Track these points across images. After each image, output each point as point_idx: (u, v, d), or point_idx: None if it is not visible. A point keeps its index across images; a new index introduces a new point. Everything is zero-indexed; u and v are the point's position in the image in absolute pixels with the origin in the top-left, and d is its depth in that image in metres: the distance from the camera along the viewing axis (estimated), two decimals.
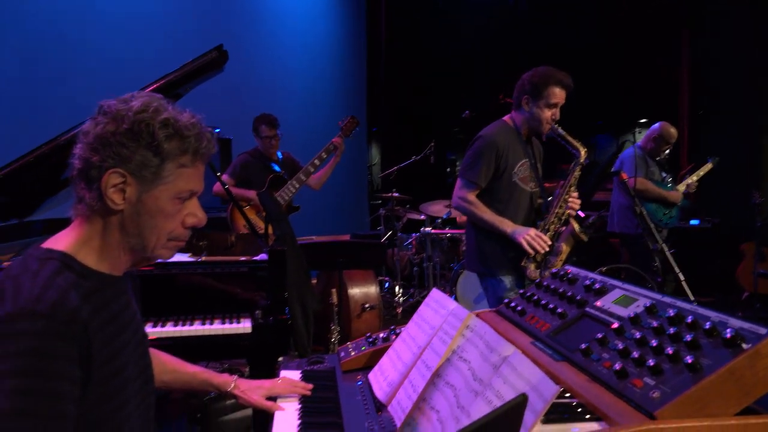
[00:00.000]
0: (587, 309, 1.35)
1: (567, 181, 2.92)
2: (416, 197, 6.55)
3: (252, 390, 1.54)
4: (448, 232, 5.91)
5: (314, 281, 4.73)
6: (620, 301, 1.29)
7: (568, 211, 2.92)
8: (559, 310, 1.39)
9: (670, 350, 1.01)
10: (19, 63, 4.29)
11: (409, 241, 6.64)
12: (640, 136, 5.49)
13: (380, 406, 1.36)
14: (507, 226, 2.86)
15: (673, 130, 4.78)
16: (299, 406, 1.47)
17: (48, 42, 4.43)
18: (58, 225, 1.24)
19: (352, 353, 1.68)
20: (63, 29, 4.55)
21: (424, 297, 1.64)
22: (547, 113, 2.88)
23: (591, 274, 1.50)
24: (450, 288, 5.19)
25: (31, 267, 1.07)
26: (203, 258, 2.68)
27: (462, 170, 3.01)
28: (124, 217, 1.14)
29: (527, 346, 1.34)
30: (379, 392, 1.39)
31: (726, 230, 6.52)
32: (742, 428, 0.91)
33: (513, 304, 1.60)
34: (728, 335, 0.96)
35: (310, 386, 1.55)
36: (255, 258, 2.60)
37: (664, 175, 4.81)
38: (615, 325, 1.18)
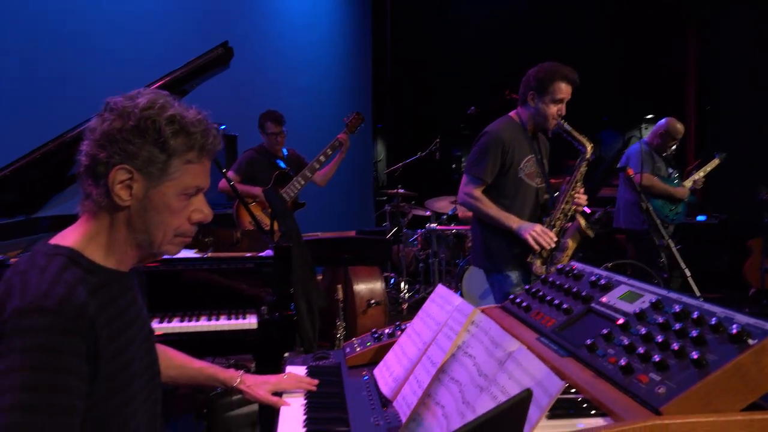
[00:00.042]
0: (593, 305, 1.35)
1: (573, 177, 2.91)
2: (422, 193, 6.54)
3: (258, 385, 1.55)
4: (453, 228, 5.90)
5: (320, 277, 4.74)
6: (626, 297, 1.29)
7: (574, 207, 2.91)
8: (565, 306, 1.39)
9: (675, 346, 1.01)
10: (22, 62, 4.30)
11: (415, 237, 6.62)
12: (647, 132, 5.46)
13: (386, 402, 1.36)
14: (513, 222, 2.85)
15: (679, 126, 4.75)
16: (305, 401, 1.48)
17: (52, 40, 4.45)
18: (65, 221, 1.24)
19: (358, 349, 1.68)
20: (67, 28, 4.57)
21: (429, 293, 1.64)
22: (553, 109, 2.87)
23: (597, 270, 1.50)
24: (455, 284, 5.19)
25: (39, 263, 1.08)
26: (209, 254, 2.68)
27: (468, 166, 3.00)
28: (130, 213, 1.15)
29: (532, 341, 1.34)
30: (385, 388, 1.39)
31: (733, 226, 6.48)
32: (748, 424, 0.91)
33: (518, 300, 1.60)
34: (734, 331, 0.96)
35: (316, 382, 1.55)
36: (261, 254, 2.60)
37: (670, 171, 4.79)
38: (620, 321, 1.18)
